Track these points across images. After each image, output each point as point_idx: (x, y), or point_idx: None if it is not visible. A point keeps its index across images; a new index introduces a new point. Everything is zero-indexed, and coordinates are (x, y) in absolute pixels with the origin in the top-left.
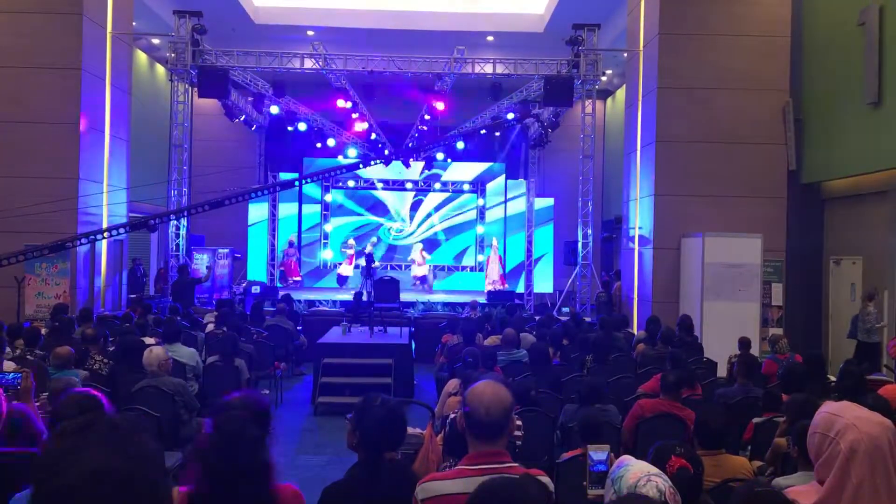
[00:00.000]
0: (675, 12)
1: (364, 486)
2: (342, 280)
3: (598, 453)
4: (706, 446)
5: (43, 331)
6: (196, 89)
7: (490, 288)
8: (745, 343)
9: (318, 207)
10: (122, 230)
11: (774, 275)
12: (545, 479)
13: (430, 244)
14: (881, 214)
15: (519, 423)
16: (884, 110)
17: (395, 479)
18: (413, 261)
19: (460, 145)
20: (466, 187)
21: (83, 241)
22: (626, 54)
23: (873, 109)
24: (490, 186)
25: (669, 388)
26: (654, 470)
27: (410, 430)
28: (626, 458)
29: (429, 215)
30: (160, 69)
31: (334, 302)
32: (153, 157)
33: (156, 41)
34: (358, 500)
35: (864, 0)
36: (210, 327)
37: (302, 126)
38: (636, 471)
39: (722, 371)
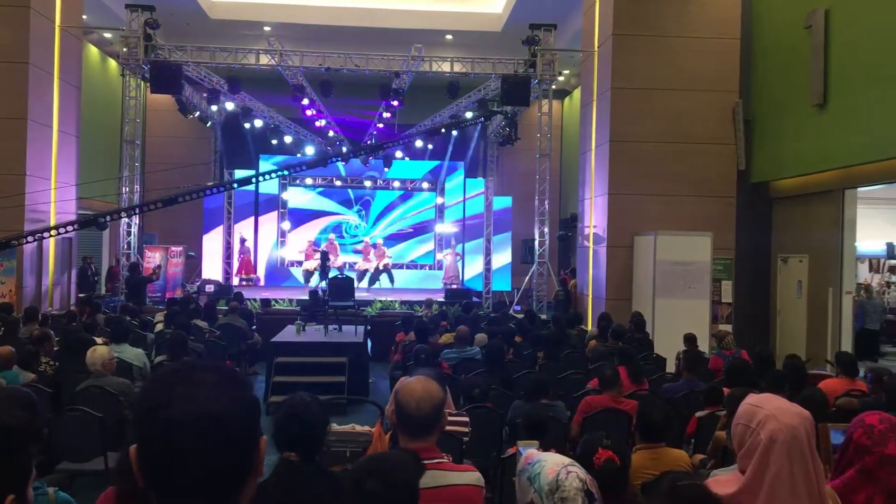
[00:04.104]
0: (628, 13)
1: (276, 491)
2: (308, 276)
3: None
4: (647, 439)
5: None
6: (149, 84)
7: (448, 283)
8: (690, 339)
9: (275, 202)
10: (70, 228)
11: (724, 272)
12: (472, 475)
13: (389, 242)
14: (827, 213)
15: (466, 419)
16: (829, 112)
17: (309, 482)
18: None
19: (419, 144)
20: (425, 186)
21: (30, 238)
22: (581, 54)
23: (819, 111)
24: (449, 185)
25: (606, 382)
26: (567, 460)
27: (359, 428)
28: (535, 454)
29: (387, 214)
30: (112, 64)
31: (291, 300)
32: (105, 153)
33: (107, 35)
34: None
35: (811, 3)
36: (159, 327)
37: (258, 123)
38: (552, 465)
39: (672, 367)
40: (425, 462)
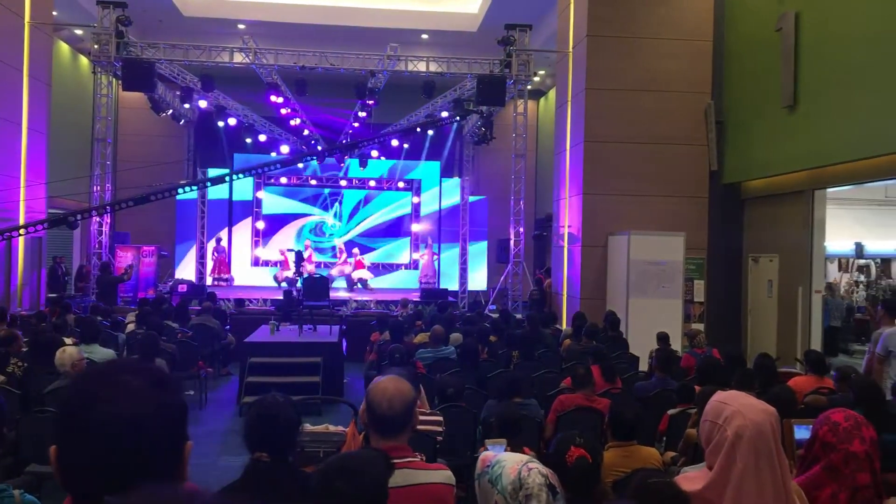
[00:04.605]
0: (602, 15)
1: (245, 491)
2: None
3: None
4: (619, 437)
5: None
6: (121, 82)
7: (424, 282)
8: (662, 338)
9: (249, 203)
10: (40, 227)
11: (696, 272)
12: (442, 473)
13: (364, 240)
14: (797, 214)
15: (439, 418)
16: (799, 114)
17: (278, 483)
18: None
19: (394, 143)
20: (401, 185)
21: None
22: (556, 55)
23: (789, 113)
24: (424, 184)
25: (579, 381)
26: (526, 458)
27: (333, 428)
28: (490, 456)
29: (363, 213)
30: (83, 61)
31: (265, 300)
32: (76, 152)
33: (78, 32)
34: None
35: (782, 6)
36: (131, 327)
37: (232, 121)
38: (512, 464)
39: (645, 365)
40: (395, 461)
